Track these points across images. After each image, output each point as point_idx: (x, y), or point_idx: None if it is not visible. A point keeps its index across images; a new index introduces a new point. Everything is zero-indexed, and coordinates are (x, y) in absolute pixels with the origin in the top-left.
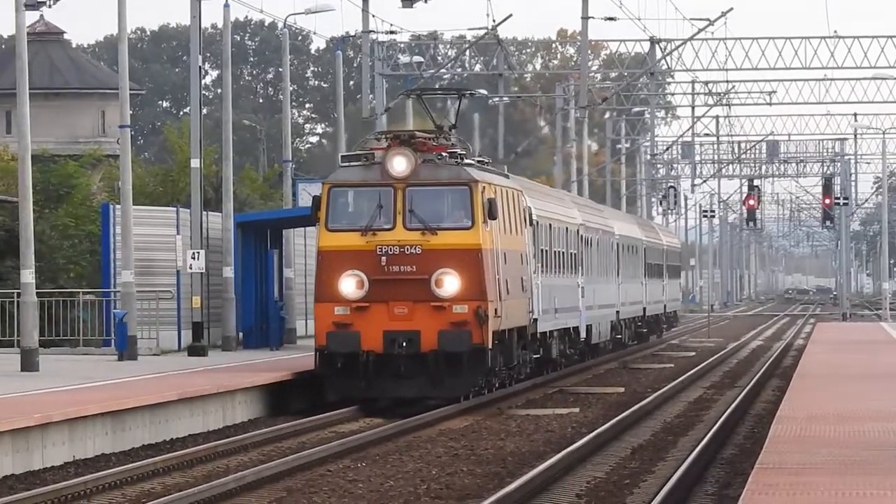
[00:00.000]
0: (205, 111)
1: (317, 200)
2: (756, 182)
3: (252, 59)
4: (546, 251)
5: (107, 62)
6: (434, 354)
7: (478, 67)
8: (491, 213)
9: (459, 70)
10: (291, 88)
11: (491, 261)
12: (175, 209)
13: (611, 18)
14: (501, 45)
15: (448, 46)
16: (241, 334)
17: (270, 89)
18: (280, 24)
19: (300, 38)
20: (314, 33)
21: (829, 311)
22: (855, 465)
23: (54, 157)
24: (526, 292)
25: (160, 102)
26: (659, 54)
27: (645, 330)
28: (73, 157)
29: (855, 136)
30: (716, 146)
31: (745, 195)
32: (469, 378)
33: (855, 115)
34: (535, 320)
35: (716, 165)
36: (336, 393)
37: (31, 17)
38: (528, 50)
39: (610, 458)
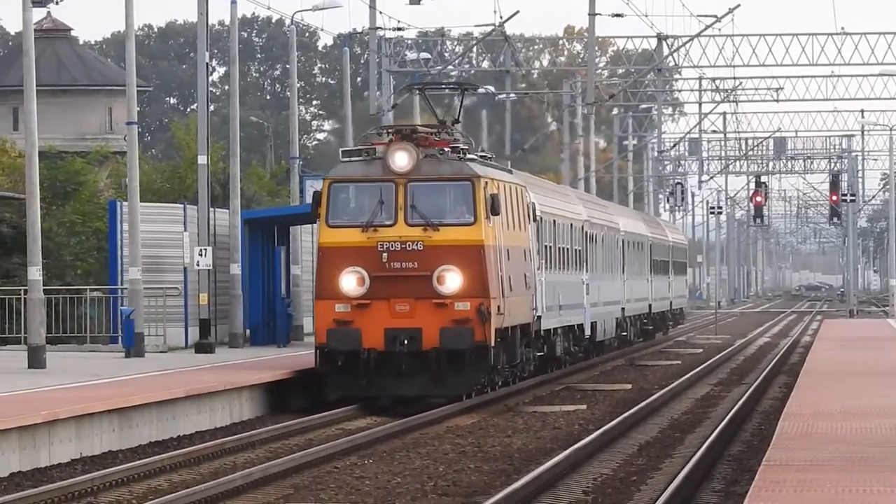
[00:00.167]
0: (212, 108)
1: (317, 196)
2: (763, 179)
3: (259, 55)
4: (550, 248)
5: (114, 59)
6: (436, 352)
7: (485, 64)
8: (494, 209)
9: (467, 67)
10: (299, 85)
11: (493, 257)
12: (182, 206)
13: (618, 15)
14: (509, 41)
15: (455, 43)
16: (248, 331)
17: (278, 86)
18: (287, 21)
19: (307, 34)
20: (321, 30)
21: (837, 307)
22: (862, 462)
23: (61, 154)
24: (529, 289)
25: (167, 99)
26: (666, 51)
27: (651, 327)
28: (81, 154)
29: (862, 132)
30: (723, 143)
31: (752, 192)
32: (471, 376)
33: (862, 111)
34: (539, 317)
35: (723, 162)
36: (337, 391)
37: (38, 14)
38: (536, 47)
39: (617, 454)
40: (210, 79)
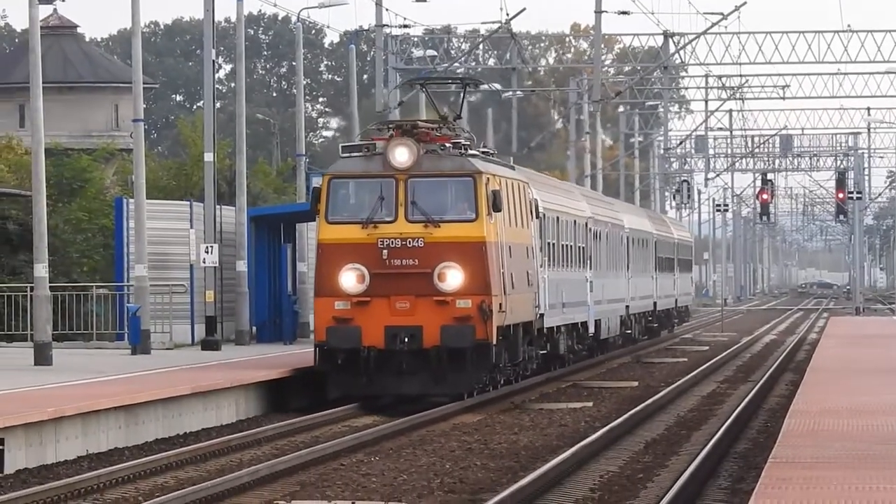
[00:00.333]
0: (218, 105)
1: (316, 192)
2: (769, 176)
3: (266, 52)
4: (553, 244)
5: (120, 56)
6: (436, 350)
7: (491, 61)
8: (495, 205)
9: (473, 64)
10: (305, 82)
11: (495, 254)
12: (188, 203)
13: (624, 12)
14: (515, 38)
15: (462, 40)
16: (254, 328)
17: (284, 83)
18: (294, 18)
19: (314, 31)
20: (328, 27)
21: (843, 305)
22: (868, 460)
23: (67, 151)
24: (532, 286)
25: (173, 96)
26: (672, 48)
27: (656, 325)
28: (87, 151)
29: (868, 130)
30: (729, 140)
31: (758, 189)
32: (473, 374)
33: (868, 109)
34: (542, 315)
35: (729, 159)
36: (337, 390)
37: (44, 10)
38: (542, 44)
39: (623, 452)
40: (216, 76)
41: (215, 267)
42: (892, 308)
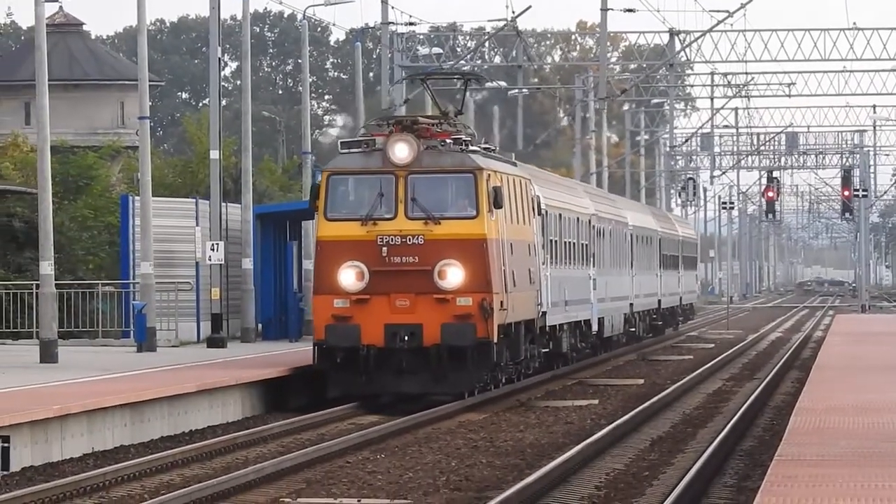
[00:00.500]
0: (224, 102)
1: (315, 189)
2: (775, 174)
3: (271, 50)
4: (556, 242)
5: (126, 53)
6: (437, 349)
7: (497, 59)
8: (496, 202)
9: (479, 61)
10: (311, 80)
11: (496, 251)
12: (194, 200)
13: (630, 10)
14: (521, 36)
15: (467, 38)
16: (259, 326)
17: (290, 81)
18: (299, 16)
19: (319, 29)
20: (333, 25)
21: (849, 303)
22: (874, 457)
23: (73, 149)
24: (534, 284)
25: (179, 94)
26: (678, 46)
27: (660, 323)
28: (93, 149)
29: (874, 127)
30: (735, 138)
31: (764, 187)
32: (473, 373)
33: (874, 106)
34: (544, 313)
35: (735, 157)
36: (336, 389)
37: (50, 8)
38: (548, 41)
39: (629, 449)
40: (222, 73)
41: (221, 264)
42: None
